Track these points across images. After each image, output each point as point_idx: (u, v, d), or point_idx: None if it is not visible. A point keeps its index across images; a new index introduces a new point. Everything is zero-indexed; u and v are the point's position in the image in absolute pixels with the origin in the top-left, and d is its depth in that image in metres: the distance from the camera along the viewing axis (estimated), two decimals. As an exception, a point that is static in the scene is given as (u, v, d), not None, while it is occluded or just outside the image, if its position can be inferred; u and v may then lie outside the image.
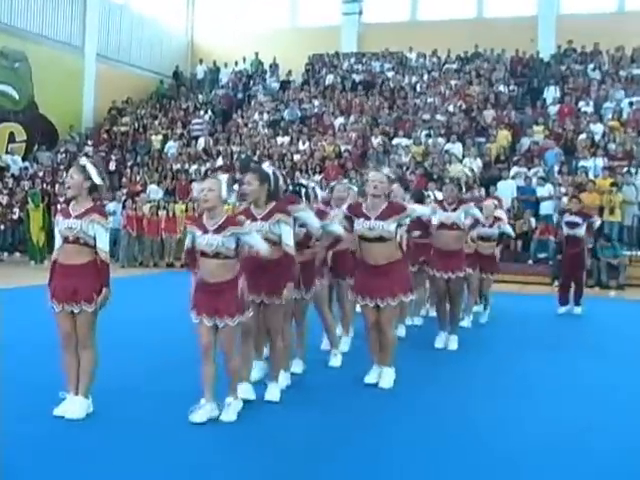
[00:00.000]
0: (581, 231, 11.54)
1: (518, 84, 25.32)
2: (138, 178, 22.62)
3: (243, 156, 22.54)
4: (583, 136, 20.84)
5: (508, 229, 11.16)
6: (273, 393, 6.21)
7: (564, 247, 11.97)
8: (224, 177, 5.82)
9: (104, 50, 28.35)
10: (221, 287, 5.54)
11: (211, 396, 5.59)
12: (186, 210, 20.02)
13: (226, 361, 5.68)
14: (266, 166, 6.50)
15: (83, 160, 5.80)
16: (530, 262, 18.02)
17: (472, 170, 18.25)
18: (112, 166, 23.91)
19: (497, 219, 10.80)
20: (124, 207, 20.05)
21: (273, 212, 6.14)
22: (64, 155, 24.52)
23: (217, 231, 5.55)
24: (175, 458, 4.79)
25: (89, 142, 25.83)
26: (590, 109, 22.47)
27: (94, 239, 5.53)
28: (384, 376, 6.61)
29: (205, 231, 5.58)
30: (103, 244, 5.57)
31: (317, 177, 20.13)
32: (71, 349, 5.60)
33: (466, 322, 10.27)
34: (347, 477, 4.62)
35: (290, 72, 29.19)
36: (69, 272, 5.55)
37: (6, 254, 20.17)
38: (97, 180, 5.61)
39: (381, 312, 6.58)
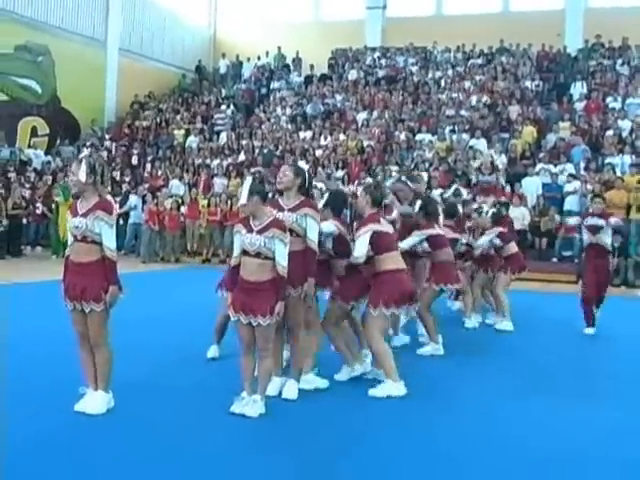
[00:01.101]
0: (606, 238, 10.33)
1: (544, 79, 25.14)
2: (160, 173, 22.60)
3: (265, 151, 22.48)
4: (610, 132, 20.61)
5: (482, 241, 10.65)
6: (291, 390, 6.30)
7: (587, 256, 10.54)
8: (248, 180, 6.00)
9: (127, 44, 28.51)
10: (259, 287, 5.70)
11: (251, 389, 5.75)
12: (208, 205, 19.96)
13: (260, 359, 5.83)
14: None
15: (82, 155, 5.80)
16: (555, 260, 17.86)
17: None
18: (134, 160, 24.04)
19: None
20: (144, 202, 20.01)
21: (302, 205, 6.28)
22: (86, 149, 24.58)
23: (261, 232, 5.73)
24: (190, 451, 4.91)
25: (106, 136, 26.02)
26: (618, 105, 22.22)
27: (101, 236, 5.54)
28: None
29: (250, 230, 5.77)
30: (109, 241, 5.56)
31: (340, 173, 20.06)
32: (86, 346, 5.66)
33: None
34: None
35: (312, 67, 29.15)
36: (79, 270, 5.56)
37: (29, 248, 20.21)
38: (82, 177, 5.53)
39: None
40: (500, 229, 10.56)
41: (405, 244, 8.14)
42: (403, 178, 9.63)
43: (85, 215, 5.54)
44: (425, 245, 8.57)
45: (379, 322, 6.63)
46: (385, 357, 6.63)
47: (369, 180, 7.10)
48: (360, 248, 6.69)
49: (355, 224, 7.12)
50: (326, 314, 6.88)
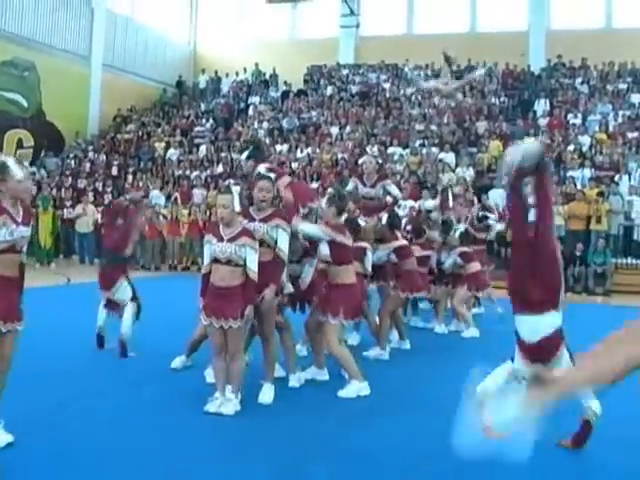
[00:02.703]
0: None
1: (509, 96, 25.83)
2: (141, 184, 23.17)
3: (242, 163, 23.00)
4: (571, 147, 21.37)
5: None
6: (267, 395, 6.48)
7: None
8: (236, 189, 6.27)
9: (110, 60, 28.85)
10: (229, 291, 5.95)
11: (223, 390, 6.02)
12: (189, 214, 20.55)
13: (232, 360, 6.04)
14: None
15: (2, 158, 5.29)
16: None
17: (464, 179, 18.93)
18: (114, 171, 24.56)
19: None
20: (128, 210, 20.58)
21: (273, 216, 6.51)
22: (70, 161, 25.18)
23: (231, 240, 6.01)
24: (168, 451, 5.13)
25: (90, 148, 26.36)
26: (578, 121, 23.02)
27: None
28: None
29: (221, 239, 6.03)
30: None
31: (314, 184, 20.60)
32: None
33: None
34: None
35: (287, 83, 29.79)
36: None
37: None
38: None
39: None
40: (464, 249, 10.90)
41: (374, 257, 8.47)
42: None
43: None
44: (392, 256, 8.86)
45: (337, 329, 6.86)
46: (347, 360, 6.85)
47: (331, 191, 7.46)
48: (307, 273, 7.12)
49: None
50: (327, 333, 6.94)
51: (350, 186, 9.89)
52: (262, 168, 7.36)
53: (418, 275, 9.19)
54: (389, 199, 9.96)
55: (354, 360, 6.95)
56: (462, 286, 10.89)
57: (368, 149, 21.79)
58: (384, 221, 9.08)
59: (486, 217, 12.68)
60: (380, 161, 10.34)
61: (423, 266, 9.79)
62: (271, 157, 20.85)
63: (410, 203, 16.84)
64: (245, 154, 7.56)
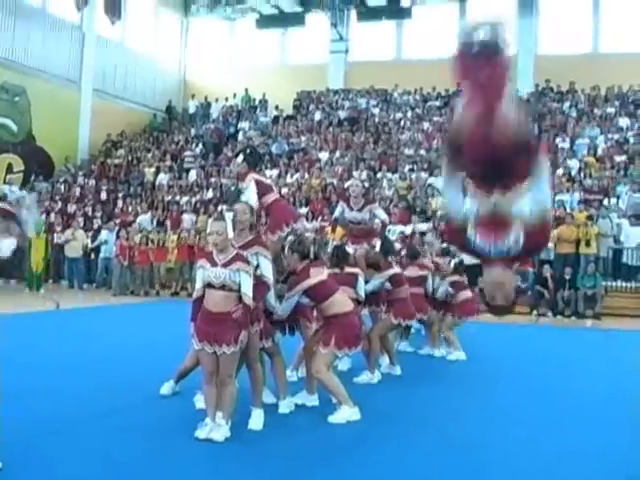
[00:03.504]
0: None
1: (498, 121, 25.95)
2: (130, 209, 23.21)
3: (232, 189, 23.06)
4: (560, 171, 21.45)
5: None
6: (256, 421, 6.44)
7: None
8: (229, 215, 6.32)
9: (100, 85, 28.95)
10: (223, 317, 5.91)
11: (214, 416, 5.98)
12: (178, 239, 20.55)
13: (223, 386, 6.01)
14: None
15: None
16: None
17: None
18: (103, 196, 24.57)
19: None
20: (118, 237, 20.66)
21: (253, 243, 6.56)
22: (60, 186, 25.18)
23: (225, 265, 6.02)
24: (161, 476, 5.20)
25: (79, 173, 26.43)
26: (567, 145, 23.13)
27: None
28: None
29: (214, 264, 6.04)
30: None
31: (304, 209, 20.64)
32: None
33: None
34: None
35: (278, 107, 29.94)
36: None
37: (1, 281, 20.64)
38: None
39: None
40: (455, 278, 10.97)
41: (369, 287, 8.52)
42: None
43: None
44: (387, 284, 8.91)
45: (327, 358, 6.83)
46: (335, 386, 6.83)
47: (291, 238, 7.39)
48: (286, 307, 6.96)
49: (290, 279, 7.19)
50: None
51: (337, 211, 9.88)
52: (253, 177, 7.35)
53: (411, 302, 9.22)
54: (377, 223, 9.96)
55: (343, 386, 6.93)
56: (451, 314, 10.99)
57: (356, 174, 21.87)
58: (377, 248, 9.12)
59: None
60: (367, 185, 10.34)
61: (419, 287, 9.90)
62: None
63: (400, 228, 16.96)
64: (241, 157, 7.55)
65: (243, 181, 7.40)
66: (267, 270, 6.52)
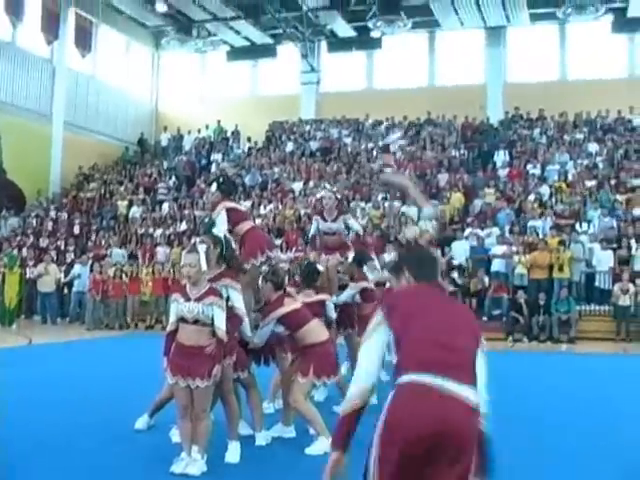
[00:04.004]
0: None
1: (469, 149, 26.20)
2: (103, 242, 23.08)
3: (206, 220, 23.00)
4: (532, 197, 21.67)
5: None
6: (233, 454, 6.36)
7: None
8: (202, 247, 6.18)
9: (72, 118, 28.90)
10: (196, 351, 5.86)
11: (189, 450, 5.89)
12: (153, 273, 20.45)
13: (197, 420, 5.92)
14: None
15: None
16: (485, 319, 18.17)
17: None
18: (76, 230, 24.42)
19: None
20: (91, 270, 20.52)
21: (221, 276, 6.48)
22: (32, 220, 25.00)
23: (199, 299, 5.94)
24: None
25: (51, 207, 26.25)
26: (537, 171, 23.38)
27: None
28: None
29: (188, 299, 5.96)
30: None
31: (278, 240, 20.58)
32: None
33: None
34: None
35: (250, 139, 30.08)
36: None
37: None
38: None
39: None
40: None
41: (342, 297, 8.53)
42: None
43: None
44: (357, 297, 8.86)
45: (305, 388, 6.78)
46: (313, 417, 6.75)
47: (265, 268, 7.30)
48: (260, 336, 6.91)
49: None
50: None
51: (313, 227, 9.75)
52: (225, 205, 7.32)
53: None
54: (351, 236, 9.85)
55: (321, 416, 6.85)
56: None
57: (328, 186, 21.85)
58: (350, 259, 9.07)
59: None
60: (339, 196, 10.24)
61: None
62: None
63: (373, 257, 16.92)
64: (214, 186, 7.52)
65: (215, 209, 7.38)
66: (238, 301, 6.48)
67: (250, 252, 7.31)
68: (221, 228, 7.08)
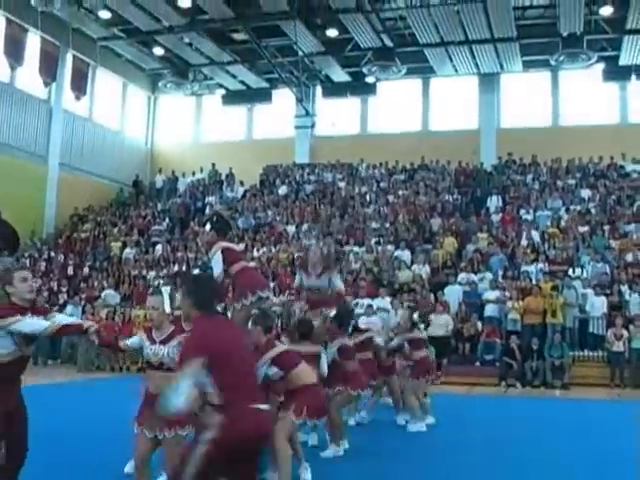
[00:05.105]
0: None
1: (462, 194, 26.28)
2: (96, 283, 23.02)
3: (199, 263, 23.00)
4: (524, 242, 21.71)
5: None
6: None
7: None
8: (166, 290, 6.21)
9: (67, 159, 28.93)
10: None
11: None
12: (145, 317, 20.35)
13: (169, 475, 5.50)
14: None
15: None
16: (477, 364, 18.29)
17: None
18: (70, 271, 24.35)
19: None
20: (84, 312, 20.43)
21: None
22: (25, 260, 24.89)
23: (163, 342, 5.84)
24: None
25: (45, 247, 26.18)
26: (530, 217, 23.44)
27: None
28: None
29: (153, 342, 5.88)
30: None
31: (271, 284, 20.46)
32: None
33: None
34: None
35: (243, 183, 30.16)
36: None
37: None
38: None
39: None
40: (412, 335, 10.90)
41: (327, 356, 8.39)
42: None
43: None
44: (335, 354, 8.77)
45: (287, 427, 6.80)
46: (284, 460, 6.65)
47: (255, 312, 7.22)
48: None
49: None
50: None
51: (297, 280, 9.71)
52: (221, 245, 7.30)
53: (362, 373, 9.14)
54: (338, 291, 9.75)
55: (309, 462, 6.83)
56: (411, 376, 10.84)
57: (320, 243, 21.87)
58: (331, 315, 9.00)
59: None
60: (325, 251, 10.15)
61: (366, 351, 9.93)
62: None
63: (367, 301, 16.97)
64: (208, 225, 7.49)
65: (211, 250, 7.36)
66: None
67: (240, 292, 7.27)
68: (217, 270, 7.06)
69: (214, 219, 7.68)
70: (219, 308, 7.12)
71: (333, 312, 8.95)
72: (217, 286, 5.39)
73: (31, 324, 5.31)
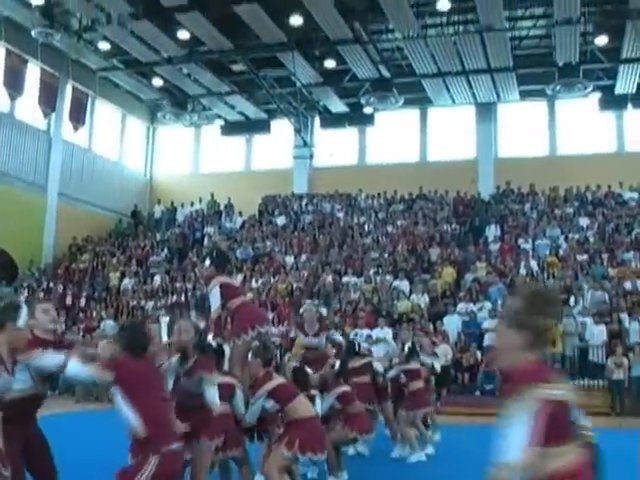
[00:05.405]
0: None
1: (461, 223, 26.34)
2: (94, 314, 22.96)
3: (198, 293, 22.98)
4: (523, 272, 21.69)
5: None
6: None
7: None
8: (165, 320, 6.18)
9: (66, 189, 28.96)
10: None
11: None
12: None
13: None
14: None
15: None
16: (477, 393, 18.20)
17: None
18: (69, 301, 24.30)
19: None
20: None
21: (194, 370, 6.13)
22: (24, 290, 24.86)
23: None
24: None
25: (44, 278, 26.18)
26: (529, 246, 23.44)
27: None
28: None
29: None
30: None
31: (270, 314, 20.40)
32: None
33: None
34: None
35: (241, 214, 30.22)
36: None
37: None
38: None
39: None
40: (409, 366, 10.90)
41: (325, 405, 8.38)
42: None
43: None
44: (336, 403, 8.70)
45: (281, 461, 6.69)
46: None
47: (256, 344, 7.19)
48: (253, 413, 6.78)
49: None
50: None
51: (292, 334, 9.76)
52: (220, 280, 7.32)
53: (364, 414, 9.10)
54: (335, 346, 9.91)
55: None
56: (404, 407, 10.78)
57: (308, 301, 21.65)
58: (335, 366, 9.04)
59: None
60: (321, 312, 10.28)
61: (365, 375, 10.00)
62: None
63: (366, 332, 16.94)
64: (207, 261, 7.54)
65: (210, 284, 7.38)
66: (212, 397, 6.10)
67: (240, 328, 7.28)
68: (214, 304, 7.07)
69: (214, 254, 7.73)
70: (216, 342, 7.13)
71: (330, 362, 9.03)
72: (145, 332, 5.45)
73: (50, 358, 5.24)
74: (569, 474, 3.31)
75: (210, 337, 7.24)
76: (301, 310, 17.01)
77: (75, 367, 5.18)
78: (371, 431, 9.20)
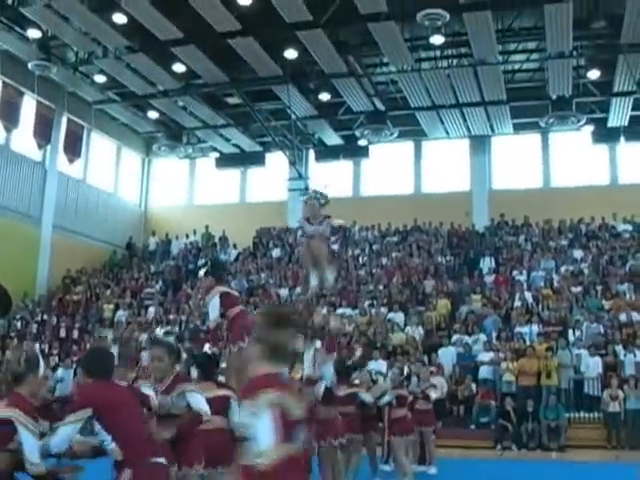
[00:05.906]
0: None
1: (455, 255, 26.37)
2: (88, 346, 22.83)
3: (191, 325, 22.89)
4: (518, 303, 21.69)
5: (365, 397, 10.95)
6: None
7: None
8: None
9: (60, 220, 28.85)
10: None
11: None
12: (136, 378, 20.13)
13: None
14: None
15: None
16: (472, 427, 18.15)
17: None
18: (62, 333, 24.19)
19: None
20: (75, 374, 20.21)
21: (174, 385, 6.05)
22: (17, 322, 24.78)
23: (166, 392, 5.86)
24: None
25: (37, 310, 26.08)
26: (523, 278, 23.51)
27: None
28: None
29: (155, 392, 5.84)
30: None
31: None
32: None
33: None
34: None
35: (236, 246, 30.23)
36: None
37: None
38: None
39: None
40: (400, 392, 11.06)
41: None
42: None
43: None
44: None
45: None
46: None
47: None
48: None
49: None
50: None
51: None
52: (219, 290, 7.32)
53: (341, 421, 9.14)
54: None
55: None
56: (392, 433, 10.82)
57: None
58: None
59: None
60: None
61: (350, 405, 9.97)
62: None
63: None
64: (202, 272, 7.58)
65: (209, 294, 7.40)
66: (200, 403, 6.03)
67: (237, 335, 7.32)
68: (213, 314, 7.09)
69: (209, 264, 7.80)
70: (213, 351, 7.14)
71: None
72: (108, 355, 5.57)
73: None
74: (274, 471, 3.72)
75: (207, 347, 7.27)
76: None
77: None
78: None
